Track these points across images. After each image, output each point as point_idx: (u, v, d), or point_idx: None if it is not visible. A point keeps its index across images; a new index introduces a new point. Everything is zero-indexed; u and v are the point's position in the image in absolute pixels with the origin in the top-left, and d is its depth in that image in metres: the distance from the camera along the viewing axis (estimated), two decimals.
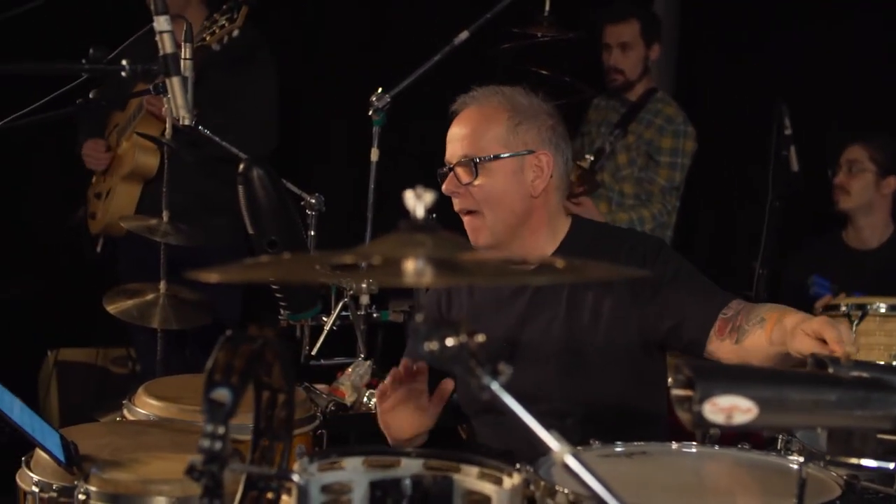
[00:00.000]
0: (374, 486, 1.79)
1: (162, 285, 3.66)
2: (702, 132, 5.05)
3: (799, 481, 1.60)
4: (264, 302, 3.82)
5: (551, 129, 2.75)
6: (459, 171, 2.71)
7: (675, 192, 4.98)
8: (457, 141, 2.73)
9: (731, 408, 1.51)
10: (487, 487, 1.80)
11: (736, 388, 1.51)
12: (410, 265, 1.47)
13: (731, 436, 2.94)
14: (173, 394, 2.96)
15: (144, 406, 2.95)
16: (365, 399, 3.54)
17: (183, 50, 2.75)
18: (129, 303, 3.66)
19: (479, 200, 2.70)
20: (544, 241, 2.77)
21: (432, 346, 1.48)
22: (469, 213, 2.73)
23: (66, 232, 4.76)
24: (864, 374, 1.61)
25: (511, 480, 1.82)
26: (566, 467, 1.42)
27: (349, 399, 3.54)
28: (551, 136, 2.74)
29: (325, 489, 1.79)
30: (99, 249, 4.58)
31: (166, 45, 2.44)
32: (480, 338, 1.50)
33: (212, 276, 1.51)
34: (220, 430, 1.63)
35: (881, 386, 1.56)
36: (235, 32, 3.86)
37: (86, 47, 2.64)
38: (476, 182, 2.69)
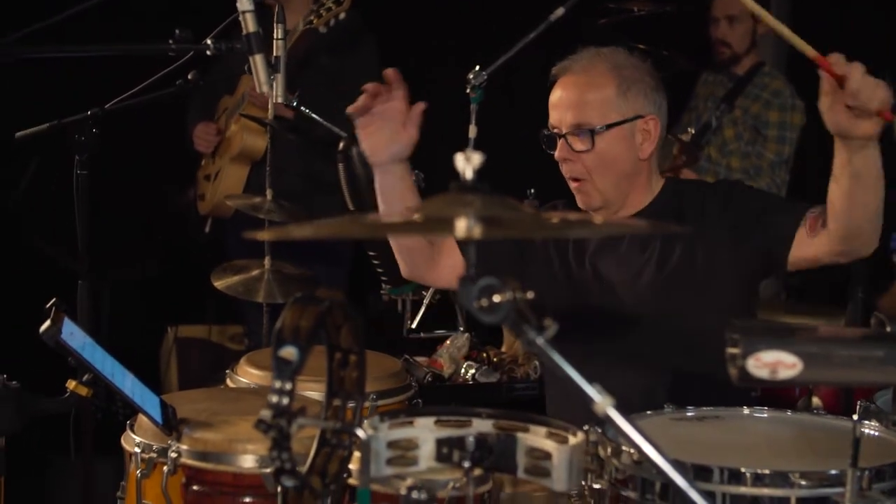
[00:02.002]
0: (440, 442, 1.86)
1: (266, 261, 3.75)
2: (812, 106, 4.96)
3: (854, 440, 1.61)
4: (367, 276, 3.91)
5: (654, 90, 2.80)
6: (573, 139, 2.75)
7: (784, 167, 4.92)
8: (565, 108, 2.77)
9: (775, 363, 1.53)
10: (549, 445, 1.85)
11: (780, 344, 1.52)
12: (461, 223, 1.52)
13: (831, 404, 2.92)
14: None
15: (245, 375, 3.07)
16: (462, 371, 3.62)
17: (275, 31, 2.84)
18: (236, 278, 3.76)
19: (591, 168, 2.75)
20: (642, 198, 2.83)
21: (482, 302, 1.53)
22: (577, 179, 2.79)
23: (177, 213, 4.91)
24: None
25: (575, 439, 1.87)
26: (608, 419, 1.46)
27: (447, 371, 3.63)
28: (655, 97, 2.80)
29: (392, 445, 1.86)
30: (207, 230, 4.72)
31: (249, 25, 2.53)
32: (529, 294, 1.54)
33: (263, 235, 1.58)
34: (288, 385, 1.71)
35: None
36: (342, 15, 3.94)
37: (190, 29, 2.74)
38: (591, 150, 2.74)
